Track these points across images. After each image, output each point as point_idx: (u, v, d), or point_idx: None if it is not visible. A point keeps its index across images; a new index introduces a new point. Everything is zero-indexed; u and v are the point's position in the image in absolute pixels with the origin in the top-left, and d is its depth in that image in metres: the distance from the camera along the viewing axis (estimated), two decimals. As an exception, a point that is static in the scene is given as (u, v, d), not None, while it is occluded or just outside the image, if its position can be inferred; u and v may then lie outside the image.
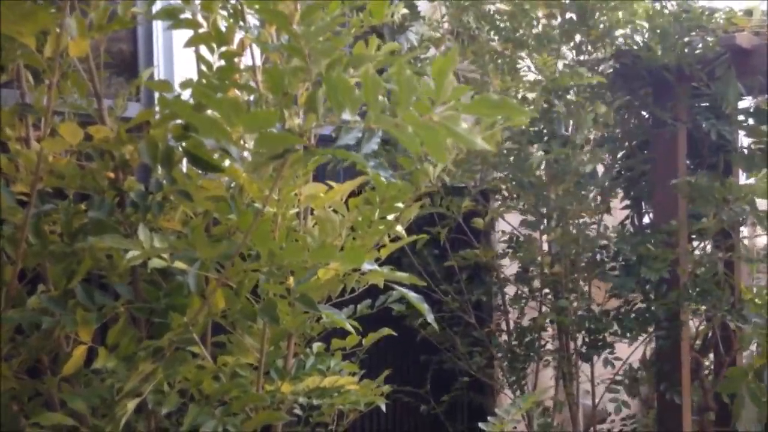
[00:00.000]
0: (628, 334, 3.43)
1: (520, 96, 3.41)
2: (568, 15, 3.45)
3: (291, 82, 1.27)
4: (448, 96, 1.10)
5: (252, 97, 1.68)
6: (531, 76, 3.51)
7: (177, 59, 3.04)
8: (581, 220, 3.51)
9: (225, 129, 1.09)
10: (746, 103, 3.72)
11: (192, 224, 1.70)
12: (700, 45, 3.38)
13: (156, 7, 1.59)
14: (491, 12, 3.47)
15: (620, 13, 3.49)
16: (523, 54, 3.50)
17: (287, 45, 1.16)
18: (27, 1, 1.24)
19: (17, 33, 1.27)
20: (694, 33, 3.47)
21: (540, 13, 3.52)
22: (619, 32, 3.59)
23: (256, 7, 1.13)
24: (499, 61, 3.41)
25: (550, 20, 3.49)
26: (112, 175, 1.70)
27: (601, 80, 3.21)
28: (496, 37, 3.43)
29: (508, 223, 3.70)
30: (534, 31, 3.41)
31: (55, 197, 1.69)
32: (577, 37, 3.52)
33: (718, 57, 3.34)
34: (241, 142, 1.35)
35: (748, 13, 3.45)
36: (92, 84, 1.70)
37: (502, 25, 3.43)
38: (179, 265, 1.35)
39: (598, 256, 3.58)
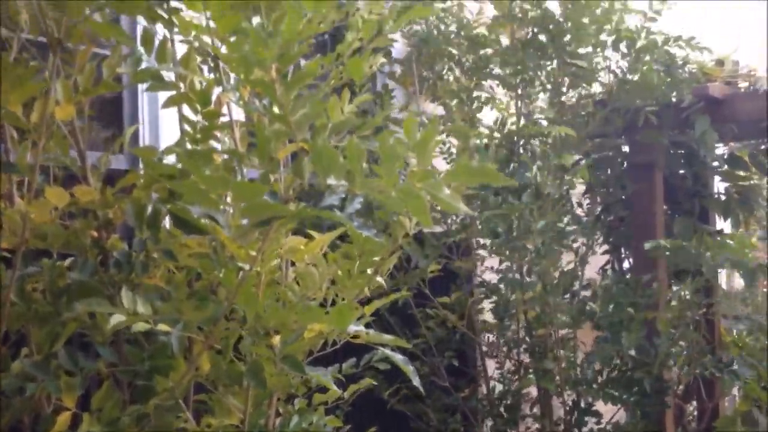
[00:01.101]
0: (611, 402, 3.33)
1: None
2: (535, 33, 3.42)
3: (276, 147, 1.29)
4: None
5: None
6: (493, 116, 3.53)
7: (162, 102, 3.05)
8: (563, 269, 3.45)
9: (212, 198, 1.10)
10: (721, 150, 3.81)
11: (175, 281, 1.70)
12: (675, 94, 3.47)
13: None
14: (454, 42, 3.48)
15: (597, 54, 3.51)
16: (485, 90, 3.51)
17: (272, 113, 1.19)
18: (15, 70, 1.25)
19: (5, 101, 1.29)
20: (669, 80, 3.55)
21: (503, 37, 3.52)
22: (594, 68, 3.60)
23: (242, 76, 1.16)
24: (463, 96, 3.40)
25: (513, 38, 3.44)
26: (95, 234, 1.71)
27: (570, 132, 3.21)
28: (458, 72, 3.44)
29: (481, 278, 3.63)
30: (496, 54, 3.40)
31: (39, 252, 1.68)
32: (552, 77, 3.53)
33: (692, 105, 3.43)
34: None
35: (720, 63, 3.55)
36: (75, 142, 1.71)
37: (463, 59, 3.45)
38: (163, 327, 1.35)
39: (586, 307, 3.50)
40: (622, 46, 3.43)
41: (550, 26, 3.28)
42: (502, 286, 3.36)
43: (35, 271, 1.55)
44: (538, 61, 3.33)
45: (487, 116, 3.55)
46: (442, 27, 3.47)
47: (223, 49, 1.46)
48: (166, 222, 1.70)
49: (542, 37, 3.34)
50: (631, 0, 3.46)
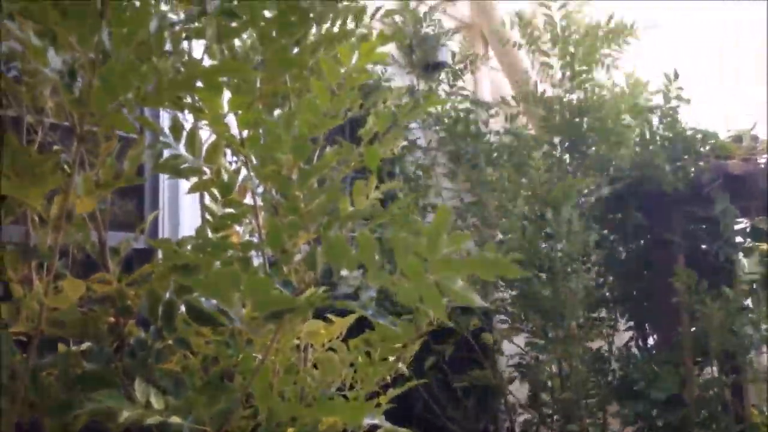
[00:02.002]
0: None
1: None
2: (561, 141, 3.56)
3: (291, 237, 1.30)
4: (445, 250, 1.12)
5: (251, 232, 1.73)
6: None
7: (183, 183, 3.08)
8: (590, 344, 3.46)
9: (225, 293, 1.10)
10: (742, 224, 3.77)
11: (191, 367, 1.69)
12: (693, 170, 3.48)
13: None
14: (491, 144, 3.59)
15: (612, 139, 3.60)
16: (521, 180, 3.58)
17: (287, 206, 1.19)
18: (38, 166, 1.28)
19: (25, 196, 1.31)
20: (686, 157, 3.57)
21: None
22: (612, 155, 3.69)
23: (262, 173, 1.17)
24: (495, 189, 3.48)
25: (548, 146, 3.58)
26: (112, 320, 1.71)
27: (594, 238, 3.25)
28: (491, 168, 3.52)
29: (516, 344, 3.64)
30: (531, 161, 3.51)
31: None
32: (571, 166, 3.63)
33: (711, 181, 3.43)
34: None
35: (738, 139, 3.55)
36: (96, 227, 1.73)
37: (500, 154, 3.54)
38: (175, 420, 1.33)
39: (611, 380, 3.49)
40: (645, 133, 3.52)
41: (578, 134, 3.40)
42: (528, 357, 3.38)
43: (50, 362, 1.54)
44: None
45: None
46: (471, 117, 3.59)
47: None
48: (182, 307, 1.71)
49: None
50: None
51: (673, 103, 3.55)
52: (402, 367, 1.88)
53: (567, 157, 3.62)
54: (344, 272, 1.21)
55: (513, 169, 3.49)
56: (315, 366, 1.81)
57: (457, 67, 3.88)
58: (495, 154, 3.55)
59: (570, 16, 3.59)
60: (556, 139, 3.63)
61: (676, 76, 3.54)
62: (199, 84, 1.21)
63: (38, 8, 1.12)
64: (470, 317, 3.30)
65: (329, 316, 1.80)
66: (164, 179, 3.10)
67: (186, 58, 1.56)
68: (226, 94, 1.51)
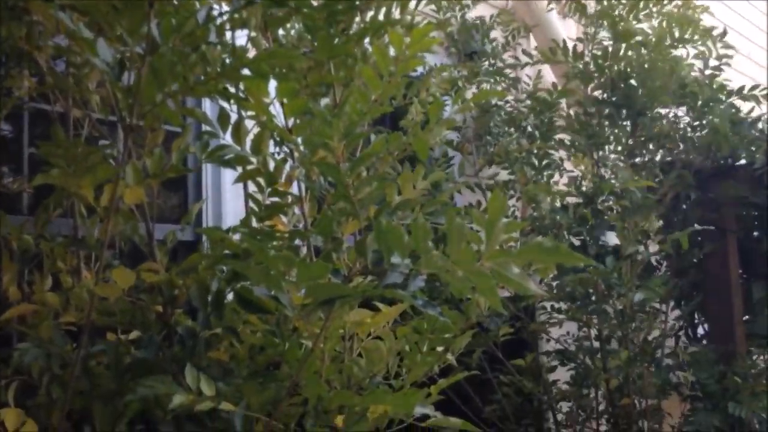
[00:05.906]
0: None
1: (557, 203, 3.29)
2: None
3: (340, 225, 1.28)
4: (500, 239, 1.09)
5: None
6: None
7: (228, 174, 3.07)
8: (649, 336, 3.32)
9: (277, 280, 1.09)
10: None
11: (238, 356, 1.69)
12: (745, 155, 3.38)
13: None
14: (514, 112, 3.47)
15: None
16: (554, 153, 3.44)
17: (336, 192, 1.18)
18: (89, 157, 1.28)
19: (77, 187, 1.32)
20: (736, 137, 3.46)
21: (565, 104, 3.47)
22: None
23: (310, 161, 1.16)
24: (526, 159, 3.35)
25: (583, 108, 3.40)
26: (160, 309, 1.71)
27: (651, 184, 3.12)
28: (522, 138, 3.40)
29: (554, 338, 3.53)
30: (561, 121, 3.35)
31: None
32: (630, 141, 3.46)
33: (763, 166, 3.33)
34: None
35: (789, 124, 3.44)
36: (143, 218, 1.74)
37: (524, 123, 3.41)
38: (226, 406, 1.33)
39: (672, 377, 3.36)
40: (688, 101, 3.35)
41: (622, 85, 3.23)
42: (580, 354, 3.26)
43: (100, 350, 1.55)
44: (613, 128, 3.26)
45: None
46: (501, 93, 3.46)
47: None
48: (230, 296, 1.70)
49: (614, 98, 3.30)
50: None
51: (713, 63, 3.37)
52: (451, 358, 1.85)
53: (607, 123, 3.40)
54: (395, 260, 1.19)
55: (541, 137, 3.31)
56: (360, 354, 1.79)
57: (498, 46, 3.77)
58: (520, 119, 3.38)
59: None
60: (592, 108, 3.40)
61: (725, 33, 3.28)
62: (246, 72, 1.19)
63: (89, 1, 1.12)
64: (500, 320, 3.06)
65: (376, 303, 1.78)
66: (207, 171, 3.10)
67: (230, 48, 1.56)
68: (272, 84, 1.50)
